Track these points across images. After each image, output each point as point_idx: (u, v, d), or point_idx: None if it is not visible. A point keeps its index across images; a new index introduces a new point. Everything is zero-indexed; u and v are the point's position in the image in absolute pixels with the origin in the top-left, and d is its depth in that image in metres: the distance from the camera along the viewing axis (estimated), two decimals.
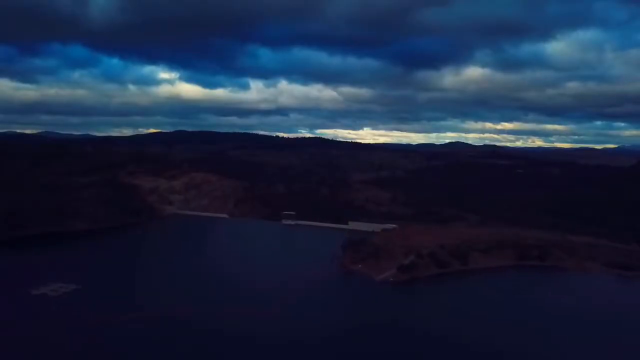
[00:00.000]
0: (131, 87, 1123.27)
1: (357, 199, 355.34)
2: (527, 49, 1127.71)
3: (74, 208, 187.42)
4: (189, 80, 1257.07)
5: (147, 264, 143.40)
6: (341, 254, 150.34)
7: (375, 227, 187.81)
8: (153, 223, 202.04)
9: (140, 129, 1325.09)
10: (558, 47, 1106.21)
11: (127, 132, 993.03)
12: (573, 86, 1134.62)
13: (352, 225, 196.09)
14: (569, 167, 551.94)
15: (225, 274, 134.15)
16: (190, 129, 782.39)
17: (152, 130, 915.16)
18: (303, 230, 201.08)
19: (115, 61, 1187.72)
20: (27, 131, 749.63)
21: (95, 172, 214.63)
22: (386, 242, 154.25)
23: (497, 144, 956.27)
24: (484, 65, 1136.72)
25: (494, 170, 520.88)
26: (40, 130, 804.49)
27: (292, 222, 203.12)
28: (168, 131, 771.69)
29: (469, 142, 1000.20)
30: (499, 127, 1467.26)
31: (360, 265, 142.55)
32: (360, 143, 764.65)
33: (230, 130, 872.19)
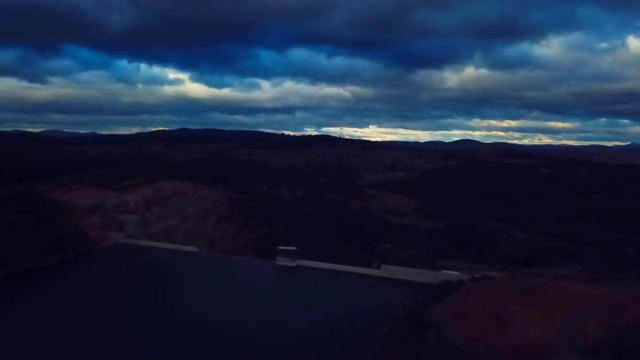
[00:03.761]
0: (141, 87, 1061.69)
1: (374, 209, 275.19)
2: (526, 49, 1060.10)
3: None
4: (197, 80, 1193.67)
5: None
6: None
7: (423, 275, 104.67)
8: (78, 264, 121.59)
9: (148, 128, 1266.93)
10: (556, 48, 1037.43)
11: (135, 130, 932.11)
12: (573, 85, 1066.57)
13: (386, 271, 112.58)
14: (594, 166, 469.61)
15: None
16: (194, 127, 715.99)
17: (155, 129, 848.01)
18: (306, 277, 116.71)
19: (125, 62, 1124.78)
20: (35, 130, 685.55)
21: (2, 185, 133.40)
22: (470, 337, 72.36)
23: (506, 141, 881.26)
24: (483, 65, 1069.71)
25: (517, 170, 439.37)
26: (44, 129, 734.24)
27: (291, 263, 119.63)
28: (171, 129, 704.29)
29: (477, 139, 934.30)
30: (504, 124, 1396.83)
31: None
32: (368, 141, 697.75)
33: (236, 129, 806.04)
